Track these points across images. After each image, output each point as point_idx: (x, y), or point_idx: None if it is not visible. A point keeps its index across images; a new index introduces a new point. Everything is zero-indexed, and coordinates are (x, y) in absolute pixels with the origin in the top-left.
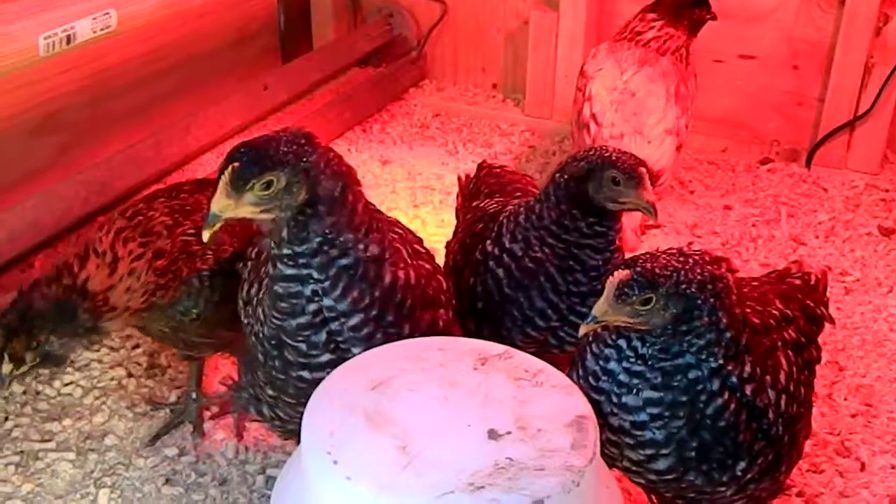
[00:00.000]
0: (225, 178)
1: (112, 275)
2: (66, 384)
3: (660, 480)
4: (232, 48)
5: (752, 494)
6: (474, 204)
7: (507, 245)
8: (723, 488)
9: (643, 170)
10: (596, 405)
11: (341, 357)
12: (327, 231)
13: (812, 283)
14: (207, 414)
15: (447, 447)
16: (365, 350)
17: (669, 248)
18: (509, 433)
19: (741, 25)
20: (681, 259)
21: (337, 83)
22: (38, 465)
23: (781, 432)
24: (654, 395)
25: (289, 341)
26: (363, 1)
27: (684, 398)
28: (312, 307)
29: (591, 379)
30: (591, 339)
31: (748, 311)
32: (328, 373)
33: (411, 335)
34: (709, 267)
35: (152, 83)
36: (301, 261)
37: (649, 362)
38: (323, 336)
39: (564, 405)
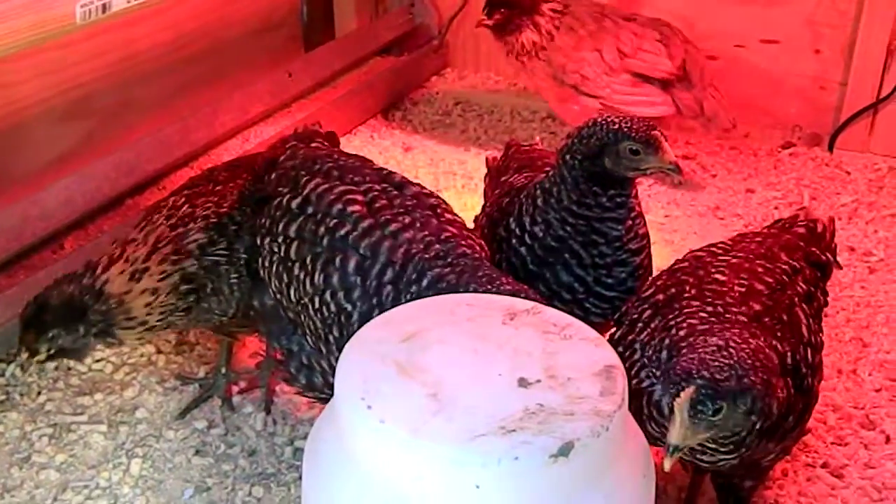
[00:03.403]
0: None
1: (132, 281)
2: (97, 360)
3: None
4: (257, 36)
5: (786, 445)
6: (503, 179)
7: (528, 227)
8: (772, 444)
9: (657, 132)
10: None
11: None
12: None
13: (818, 230)
14: (236, 389)
15: (478, 394)
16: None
17: (702, 343)
18: (539, 381)
19: (763, 10)
20: (725, 353)
21: (359, 72)
22: (71, 436)
23: (811, 383)
24: (727, 457)
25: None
26: None
27: (748, 438)
28: None
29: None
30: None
31: (760, 270)
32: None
33: None
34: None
35: (179, 70)
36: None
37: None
38: None
39: (593, 356)
